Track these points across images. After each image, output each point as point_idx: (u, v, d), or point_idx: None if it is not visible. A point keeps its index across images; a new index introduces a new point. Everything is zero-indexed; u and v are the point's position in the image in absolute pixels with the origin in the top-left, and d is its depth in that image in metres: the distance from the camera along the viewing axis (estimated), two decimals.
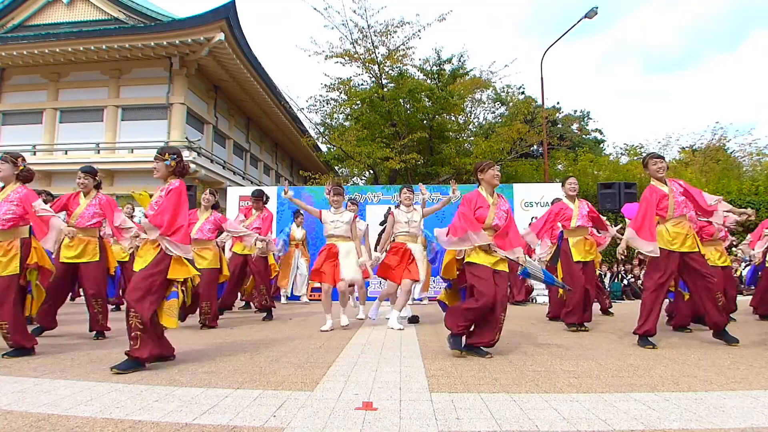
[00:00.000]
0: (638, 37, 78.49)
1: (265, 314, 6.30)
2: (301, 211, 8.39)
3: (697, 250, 4.06)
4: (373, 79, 15.42)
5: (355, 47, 14.60)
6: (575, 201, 5.35)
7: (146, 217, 3.34)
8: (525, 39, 78.96)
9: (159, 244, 3.15)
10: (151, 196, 3.58)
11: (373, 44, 14.42)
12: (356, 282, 5.26)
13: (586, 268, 5.18)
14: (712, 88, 65.58)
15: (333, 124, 16.75)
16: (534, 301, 9.11)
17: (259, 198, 6.48)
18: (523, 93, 19.89)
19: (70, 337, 4.52)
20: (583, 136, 23.94)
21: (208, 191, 5.78)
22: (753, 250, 6.19)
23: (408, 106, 15.58)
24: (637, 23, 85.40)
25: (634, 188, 9.80)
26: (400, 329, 5.00)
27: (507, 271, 3.70)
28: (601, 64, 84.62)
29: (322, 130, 16.87)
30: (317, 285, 6.99)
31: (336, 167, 18.56)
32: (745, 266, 9.33)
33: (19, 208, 3.66)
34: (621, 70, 79.57)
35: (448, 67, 16.79)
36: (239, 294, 7.37)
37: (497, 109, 19.27)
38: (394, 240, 5.37)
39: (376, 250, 6.16)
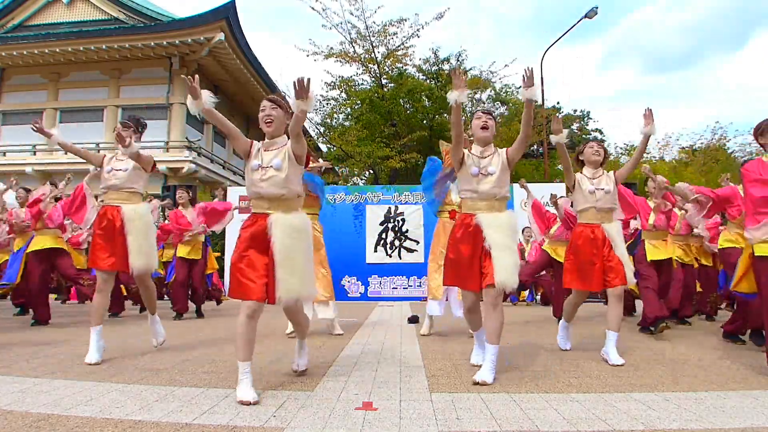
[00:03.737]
0: (639, 36, 78.52)
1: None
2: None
3: None
4: (373, 79, 15.43)
5: (354, 47, 14.62)
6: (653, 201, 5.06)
7: None
8: (525, 39, 78.96)
9: None
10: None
11: (372, 44, 14.44)
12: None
13: (664, 268, 4.89)
14: (712, 87, 65.58)
15: (333, 123, 16.76)
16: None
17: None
18: None
19: (70, 337, 4.51)
20: (583, 135, 23.93)
21: (48, 182, 5.81)
22: None
23: (408, 106, 15.59)
24: (638, 23, 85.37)
25: (634, 188, 9.80)
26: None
27: None
28: (601, 64, 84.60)
29: (322, 130, 16.86)
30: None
31: (336, 167, 18.56)
32: None
33: None
34: (621, 70, 79.49)
35: (447, 67, 16.80)
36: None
37: (497, 109, 19.27)
38: None
39: (375, 251, 6.07)
